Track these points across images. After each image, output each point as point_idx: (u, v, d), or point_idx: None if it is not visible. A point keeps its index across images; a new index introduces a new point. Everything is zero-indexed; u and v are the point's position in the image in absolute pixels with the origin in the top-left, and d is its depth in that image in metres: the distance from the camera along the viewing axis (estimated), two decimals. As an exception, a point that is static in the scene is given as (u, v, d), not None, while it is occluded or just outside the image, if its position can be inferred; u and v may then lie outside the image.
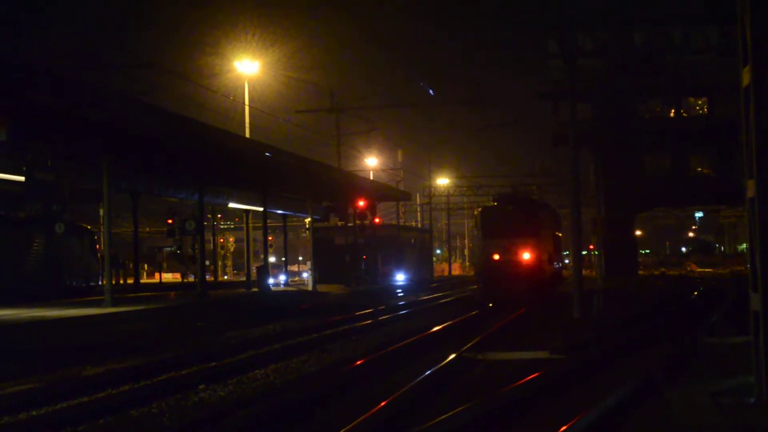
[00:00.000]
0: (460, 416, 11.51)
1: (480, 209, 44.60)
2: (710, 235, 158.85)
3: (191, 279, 57.91)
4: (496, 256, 38.79)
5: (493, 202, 47.50)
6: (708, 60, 56.31)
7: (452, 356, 18.00)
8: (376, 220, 61.91)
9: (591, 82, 60.56)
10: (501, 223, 39.29)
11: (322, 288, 52.03)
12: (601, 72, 62.71)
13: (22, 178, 31.11)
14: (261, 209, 49.99)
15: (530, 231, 38.91)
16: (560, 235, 46.63)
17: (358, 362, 17.87)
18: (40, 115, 26.25)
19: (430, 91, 64.17)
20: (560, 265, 46.18)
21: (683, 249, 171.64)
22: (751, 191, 11.70)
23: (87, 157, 32.70)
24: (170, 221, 44.85)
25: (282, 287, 54.30)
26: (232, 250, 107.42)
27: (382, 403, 12.54)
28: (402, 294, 54.12)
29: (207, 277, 52.02)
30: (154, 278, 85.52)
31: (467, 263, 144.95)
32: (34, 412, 13.69)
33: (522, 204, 41.27)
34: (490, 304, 36.02)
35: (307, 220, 58.94)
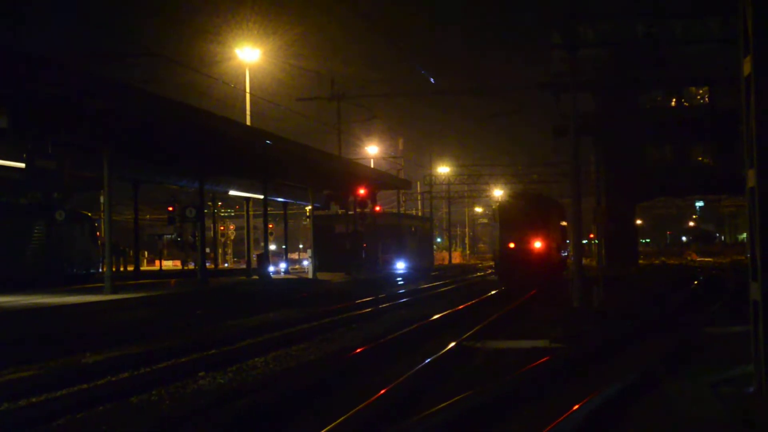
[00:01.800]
0: (457, 405, 11.52)
1: (498, 204, 52.84)
2: (711, 224, 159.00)
3: (191, 266, 57.95)
4: (512, 245, 44.93)
5: (509, 198, 54.41)
6: (709, 50, 56.24)
7: (452, 345, 18.02)
8: (377, 209, 61.85)
9: (593, 72, 60.53)
10: (516, 216, 45.41)
11: (322, 276, 52.05)
12: (602, 62, 62.64)
13: (22, 166, 31.09)
14: (261, 197, 50.02)
15: (541, 223, 44.75)
16: (565, 225, 47.90)
17: (358, 350, 17.89)
18: (40, 104, 26.24)
19: (431, 80, 64.05)
20: (566, 252, 47.55)
21: (684, 238, 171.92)
22: (751, 181, 11.70)
23: (88, 145, 32.68)
24: (171, 208, 44.82)
25: (282, 275, 54.34)
26: (232, 237, 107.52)
27: (382, 392, 12.56)
28: (402, 282, 54.13)
29: (207, 264, 52.07)
30: (155, 266, 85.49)
31: (468, 251, 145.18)
32: (33, 399, 13.71)
33: (533, 200, 48.01)
34: (503, 287, 40.31)
35: (308, 208, 58.94)
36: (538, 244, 44.56)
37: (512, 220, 45.46)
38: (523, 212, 45.47)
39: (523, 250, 44.45)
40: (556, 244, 45.71)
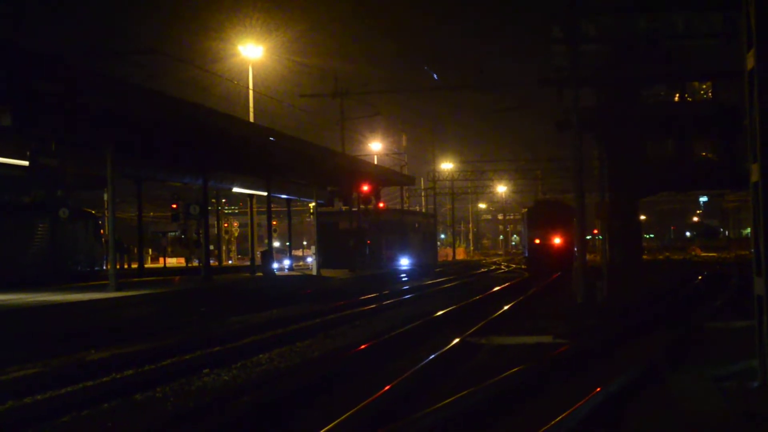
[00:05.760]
0: (458, 403, 11.53)
1: (526, 209, 67.51)
2: (714, 219, 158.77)
3: (195, 264, 58.00)
4: (537, 241, 57.54)
5: (534, 204, 67.29)
6: (712, 45, 56.08)
7: (456, 341, 18.03)
8: (381, 205, 61.83)
9: (594, 67, 60.36)
10: (540, 218, 58.22)
11: (326, 273, 52.05)
12: (604, 57, 62.40)
13: (26, 163, 31.09)
14: (265, 194, 49.97)
15: (559, 224, 56.07)
16: None
17: (363, 347, 17.90)
18: (43, 101, 26.22)
19: (435, 76, 64.19)
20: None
21: (687, 234, 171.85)
22: (754, 175, 11.69)
23: (91, 143, 32.63)
24: (174, 206, 44.69)
25: (286, 272, 54.31)
26: (236, 234, 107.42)
27: (386, 388, 12.57)
28: (406, 279, 54.15)
29: (211, 261, 52.07)
30: (159, 263, 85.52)
31: (471, 248, 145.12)
32: (38, 397, 13.73)
33: (553, 205, 61.57)
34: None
35: (312, 204, 58.83)
36: (557, 240, 56.54)
37: (538, 221, 57.99)
38: (545, 215, 57.87)
39: (546, 245, 56.78)
40: (570, 240, 53.83)
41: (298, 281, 46.36)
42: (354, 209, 59.39)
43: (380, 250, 69.18)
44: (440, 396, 11.90)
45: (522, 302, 29.91)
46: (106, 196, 48.77)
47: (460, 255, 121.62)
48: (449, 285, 44.68)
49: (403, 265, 72.44)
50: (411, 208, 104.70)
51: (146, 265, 59.13)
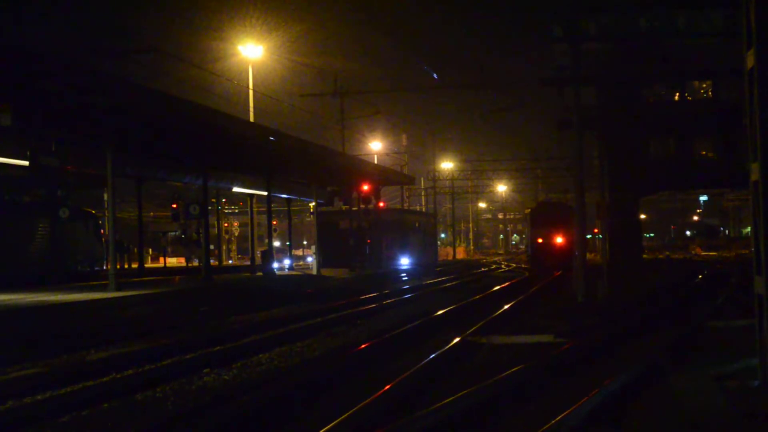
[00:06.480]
0: (459, 402, 11.52)
1: (529, 210, 70.75)
2: (715, 218, 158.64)
3: (196, 263, 58.01)
4: (540, 240, 60.06)
5: (537, 205, 71.38)
6: (712, 43, 56.03)
7: (456, 340, 18.02)
8: (381, 204, 61.86)
9: (595, 66, 60.31)
10: (543, 218, 60.85)
11: (326, 272, 52.04)
12: (605, 56, 62.36)
13: (26, 163, 31.09)
14: (265, 193, 49.98)
15: (560, 224, 57.83)
16: None
17: (363, 346, 17.89)
18: (43, 101, 26.23)
19: (434, 75, 64.34)
20: None
21: (688, 232, 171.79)
22: (754, 174, 11.68)
23: (91, 143, 32.65)
24: (174, 205, 44.70)
25: (286, 271, 54.31)
26: (236, 234, 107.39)
27: (386, 387, 12.56)
28: (406, 278, 54.11)
29: (211, 261, 52.06)
30: (159, 263, 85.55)
31: (472, 247, 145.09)
32: (38, 397, 13.70)
33: (555, 206, 65.27)
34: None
35: (312, 204, 58.87)
36: (559, 240, 58.72)
37: (540, 221, 60.63)
38: (547, 215, 60.73)
39: (548, 244, 59.32)
40: (572, 239, 56.24)
41: (299, 281, 46.36)
42: (354, 209, 59.39)
43: (380, 250, 69.16)
44: (441, 395, 11.89)
45: (522, 301, 29.89)
46: (106, 196, 48.83)
47: (461, 254, 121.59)
48: (449, 284, 44.66)
49: (404, 265, 72.43)
50: (411, 208, 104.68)
51: (146, 265, 59.14)
